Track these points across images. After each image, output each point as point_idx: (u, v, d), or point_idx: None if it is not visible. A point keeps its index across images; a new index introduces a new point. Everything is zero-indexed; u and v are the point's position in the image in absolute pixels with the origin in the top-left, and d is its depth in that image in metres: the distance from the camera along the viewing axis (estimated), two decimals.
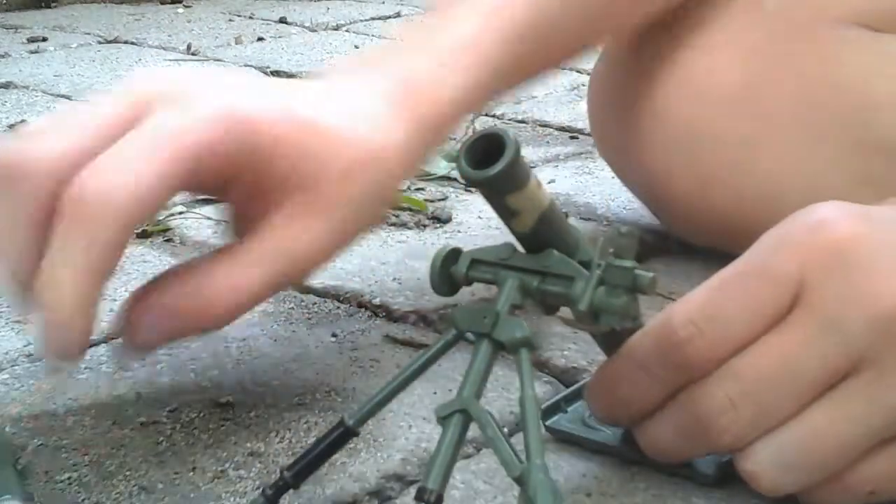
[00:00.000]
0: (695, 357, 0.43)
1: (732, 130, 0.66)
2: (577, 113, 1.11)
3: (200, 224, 0.78)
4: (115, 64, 1.37)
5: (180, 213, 0.80)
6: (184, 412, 0.52)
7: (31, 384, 0.55)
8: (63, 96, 1.19)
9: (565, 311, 0.42)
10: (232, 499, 0.45)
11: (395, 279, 0.69)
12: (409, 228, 0.78)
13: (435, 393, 0.54)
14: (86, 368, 0.56)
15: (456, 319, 0.40)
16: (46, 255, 0.43)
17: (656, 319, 0.44)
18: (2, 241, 0.45)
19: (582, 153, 0.99)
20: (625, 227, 0.78)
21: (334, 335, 0.61)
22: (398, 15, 1.76)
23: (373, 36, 1.58)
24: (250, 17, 1.74)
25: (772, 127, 0.66)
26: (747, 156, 0.66)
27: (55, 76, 1.28)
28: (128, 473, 0.47)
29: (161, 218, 0.78)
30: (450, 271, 0.42)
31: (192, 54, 1.44)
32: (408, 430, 0.51)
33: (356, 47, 1.50)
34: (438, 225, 0.79)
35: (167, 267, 0.50)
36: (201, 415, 0.52)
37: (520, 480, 0.36)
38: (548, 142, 1.04)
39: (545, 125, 1.10)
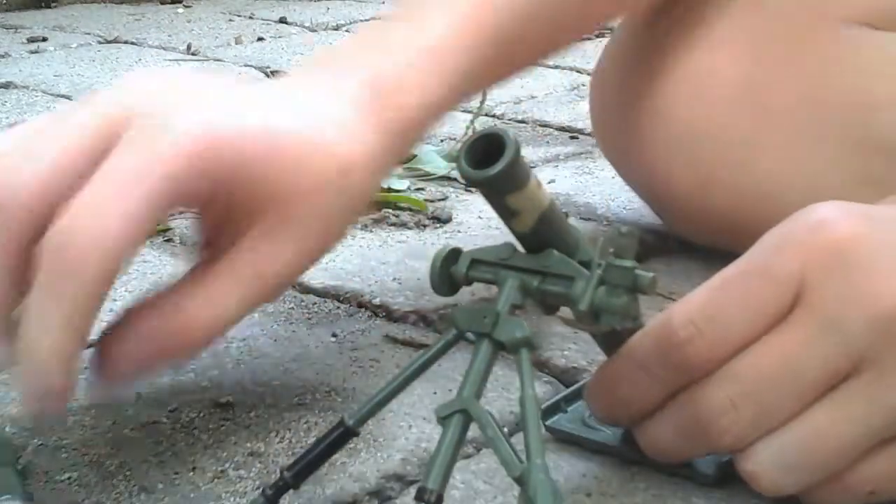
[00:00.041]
0: (695, 357, 0.43)
1: (733, 130, 0.66)
2: (577, 113, 1.11)
3: None
4: (115, 64, 1.37)
5: (180, 212, 0.80)
6: (184, 412, 0.52)
7: None
8: (63, 96, 1.19)
9: (565, 311, 0.42)
10: (232, 499, 0.45)
11: (395, 279, 0.69)
12: (409, 228, 0.78)
13: (435, 393, 0.54)
14: (86, 368, 0.56)
15: (456, 319, 0.40)
16: (24, 312, 0.42)
17: (656, 319, 0.44)
18: None
19: (582, 153, 0.99)
20: (625, 227, 0.78)
21: (334, 335, 0.61)
22: None
23: None
24: (250, 17, 1.74)
25: (772, 126, 0.66)
26: (748, 155, 0.66)
27: (55, 76, 1.28)
28: (128, 473, 0.47)
29: None
30: (450, 271, 0.42)
31: (192, 54, 1.44)
32: (408, 430, 0.50)
33: None
34: (438, 225, 0.79)
35: (144, 296, 0.48)
36: (201, 415, 0.52)
37: (520, 480, 0.36)
38: (548, 142, 1.04)
39: (545, 125, 1.10)
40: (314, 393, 0.54)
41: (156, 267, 0.70)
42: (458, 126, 1.03)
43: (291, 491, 0.42)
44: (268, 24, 1.69)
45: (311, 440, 0.48)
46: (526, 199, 0.40)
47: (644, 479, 0.47)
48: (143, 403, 0.53)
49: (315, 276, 0.68)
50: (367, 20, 1.71)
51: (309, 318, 0.63)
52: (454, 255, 0.43)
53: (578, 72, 1.33)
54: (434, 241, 0.76)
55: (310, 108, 0.49)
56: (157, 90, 0.46)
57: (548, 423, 0.50)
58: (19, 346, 0.42)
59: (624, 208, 0.83)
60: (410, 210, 0.81)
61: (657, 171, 0.69)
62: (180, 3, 1.88)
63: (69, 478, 0.47)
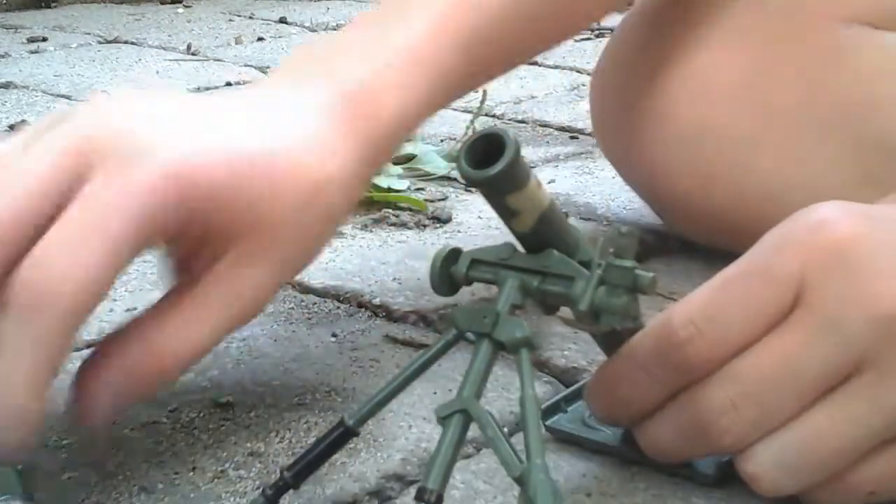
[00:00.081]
0: (695, 358, 0.43)
1: (734, 129, 0.66)
2: (577, 113, 1.12)
3: None
4: (115, 64, 1.37)
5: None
6: (184, 412, 0.52)
7: None
8: (63, 96, 1.19)
9: (565, 311, 0.41)
10: (232, 499, 0.45)
11: (395, 279, 0.69)
12: (409, 228, 0.78)
13: (435, 393, 0.54)
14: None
15: (456, 319, 0.40)
16: None
17: (657, 320, 0.44)
18: None
19: (582, 153, 0.99)
20: (625, 227, 0.78)
21: (334, 335, 0.61)
22: None
23: None
24: (250, 17, 1.74)
25: (773, 125, 0.66)
26: (749, 154, 0.66)
27: (55, 76, 1.28)
28: (128, 473, 0.47)
29: None
30: (450, 271, 0.42)
31: (192, 54, 1.44)
32: (408, 430, 0.50)
33: None
34: (438, 225, 0.79)
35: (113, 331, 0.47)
36: (201, 415, 0.52)
37: (520, 480, 0.36)
38: (548, 142, 1.04)
39: (545, 125, 1.10)
40: (314, 393, 0.54)
41: (156, 267, 0.70)
42: (458, 126, 1.03)
43: (291, 491, 0.42)
44: (268, 24, 1.69)
45: (311, 440, 0.48)
46: (526, 199, 0.40)
47: (644, 479, 0.47)
48: (143, 403, 0.53)
49: (315, 276, 0.68)
50: None
51: (309, 318, 0.63)
52: (454, 255, 0.43)
53: (578, 72, 1.33)
54: (434, 241, 0.76)
55: (281, 123, 0.48)
56: (126, 115, 0.45)
57: (548, 423, 0.50)
58: None
59: (624, 208, 0.83)
60: (410, 210, 0.81)
61: (657, 171, 0.69)
62: (180, 3, 1.88)
63: (69, 478, 0.47)
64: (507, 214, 0.40)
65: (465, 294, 0.46)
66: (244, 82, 1.24)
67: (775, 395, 0.42)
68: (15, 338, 0.40)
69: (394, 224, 0.79)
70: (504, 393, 0.54)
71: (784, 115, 0.66)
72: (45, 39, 1.51)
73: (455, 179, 0.89)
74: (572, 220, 0.80)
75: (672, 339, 0.43)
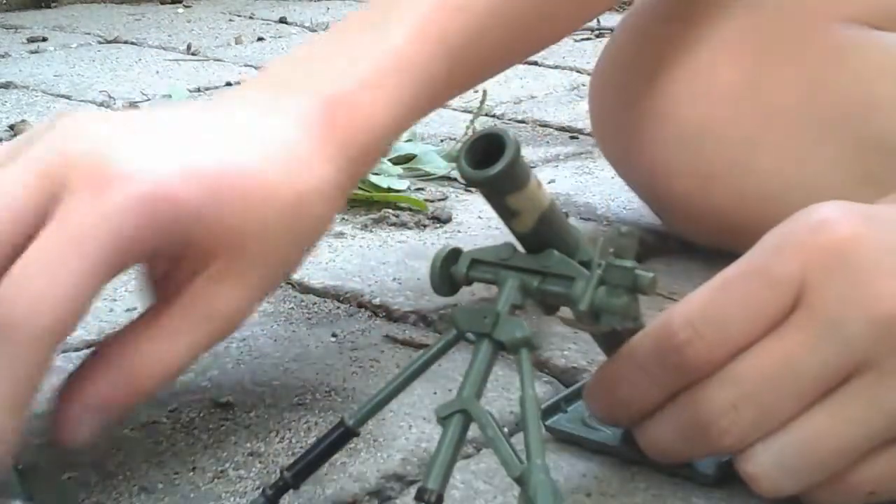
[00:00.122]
0: (694, 359, 0.43)
1: (734, 129, 0.66)
2: (577, 113, 1.12)
3: None
4: (115, 64, 1.37)
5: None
6: (184, 412, 0.52)
7: None
8: (63, 96, 1.19)
9: (565, 311, 0.41)
10: (232, 499, 0.45)
11: (395, 279, 0.69)
12: (409, 228, 0.78)
13: (435, 393, 0.54)
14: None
15: (456, 319, 0.40)
16: None
17: (657, 320, 0.44)
18: None
19: (582, 153, 0.99)
20: (625, 227, 0.78)
21: (334, 335, 0.61)
22: None
23: None
24: (250, 17, 1.74)
25: (773, 126, 0.66)
26: (749, 154, 0.66)
27: (55, 76, 1.28)
28: (128, 473, 0.47)
29: None
30: (450, 271, 0.42)
31: (192, 54, 1.44)
32: (408, 430, 0.50)
33: None
34: (438, 225, 0.79)
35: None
36: (201, 415, 0.52)
37: (520, 480, 0.36)
38: (548, 142, 1.04)
39: (545, 125, 1.10)
40: (314, 393, 0.54)
41: None
42: (458, 126, 1.03)
43: (291, 491, 0.42)
44: (268, 24, 1.69)
45: (311, 440, 0.48)
46: (526, 200, 0.40)
47: (644, 479, 0.47)
48: (143, 403, 0.53)
49: (315, 276, 0.68)
50: None
51: (309, 318, 0.63)
52: (454, 255, 0.42)
53: (578, 72, 1.33)
54: (434, 241, 0.76)
55: (256, 137, 0.47)
56: (99, 135, 0.44)
57: (548, 423, 0.50)
58: None
59: (624, 208, 0.83)
60: (410, 210, 0.81)
61: (657, 171, 0.69)
62: (180, 3, 1.88)
63: (69, 478, 0.47)
64: (507, 214, 0.40)
65: (465, 294, 0.46)
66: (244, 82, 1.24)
67: (775, 395, 0.42)
68: None
69: (394, 224, 0.79)
70: (504, 393, 0.54)
71: (784, 115, 0.66)
72: (45, 39, 1.51)
73: (455, 179, 0.89)
74: (572, 220, 0.80)
75: (672, 340, 0.43)
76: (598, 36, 1.52)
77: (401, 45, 0.52)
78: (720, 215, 0.67)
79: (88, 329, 0.60)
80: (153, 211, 0.42)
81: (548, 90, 1.24)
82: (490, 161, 0.38)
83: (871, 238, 0.42)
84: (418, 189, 0.87)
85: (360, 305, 0.65)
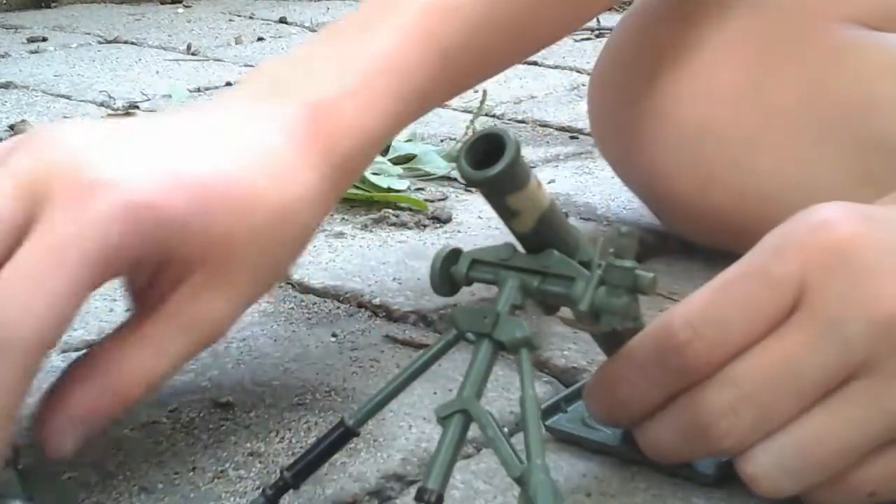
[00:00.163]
0: (694, 360, 0.43)
1: (734, 129, 0.66)
2: (577, 113, 1.12)
3: None
4: (115, 64, 1.37)
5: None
6: (184, 412, 0.52)
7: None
8: (63, 96, 1.19)
9: (565, 311, 0.41)
10: (232, 499, 0.45)
11: (395, 279, 0.69)
12: (409, 228, 0.78)
13: (435, 393, 0.54)
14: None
15: (456, 319, 0.40)
16: None
17: (657, 321, 0.44)
18: None
19: (582, 153, 0.99)
20: (625, 227, 0.78)
21: (334, 335, 0.61)
22: None
23: None
24: (250, 17, 1.74)
25: (773, 126, 0.66)
26: (749, 155, 0.66)
27: (55, 76, 1.28)
28: (128, 473, 0.47)
29: None
30: (450, 271, 0.42)
31: (192, 54, 1.44)
32: (408, 430, 0.50)
33: None
34: (438, 225, 0.79)
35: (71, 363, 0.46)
36: (201, 415, 0.52)
37: (520, 480, 0.36)
38: (548, 142, 1.04)
39: (545, 125, 1.10)
40: (314, 393, 0.54)
41: None
42: (458, 126, 1.03)
43: (291, 491, 0.42)
44: (268, 24, 1.69)
45: (311, 440, 0.48)
46: (526, 200, 0.40)
47: (644, 479, 0.47)
48: (143, 403, 0.53)
49: (315, 276, 0.68)
50: None
51: (309, 318, 0.63)
52: (454, 255, 0.42)
53: (578, 72, 1.33)
54: (434, 241, 0.76)
55: (240, 145, 0.46)
56: (79, 146, 0.43)
57: (548, 423, 0.50)
58: None
59: (624, 208, 0.83)
60: (410, 210, 0.81)
61: (657, 171, 0.69)
62: (180, 3, 1.88)
63: (69, 478, 0.47)
64: (508, 215, 0.40)
65: (465, 294, 0.46)
66: None
67: (775, 396, 0.42)
68: None
69: (394, 224, 0.79)
70: (504, 393, 0.54)
71: (784, 115, 0.66)
72: (45, 39, 1.51)
73: (455, 179, 0.89)
74: (572, 220, 0.80)
75: (672, 341, 0.43)
76: (598, 36, 1.52)
77: (389, 49, 0.51)
78: (720, 215, 0.67)
79: (88, 329, 0.60)
80: (137, 219, 0.42)
81: (548, 90, 1.24)
82: (490, 161, 0.38)
83: (871, 238, 0.42)
84: (418, 189, 0.87)
85: (360, 305, 0.65)
